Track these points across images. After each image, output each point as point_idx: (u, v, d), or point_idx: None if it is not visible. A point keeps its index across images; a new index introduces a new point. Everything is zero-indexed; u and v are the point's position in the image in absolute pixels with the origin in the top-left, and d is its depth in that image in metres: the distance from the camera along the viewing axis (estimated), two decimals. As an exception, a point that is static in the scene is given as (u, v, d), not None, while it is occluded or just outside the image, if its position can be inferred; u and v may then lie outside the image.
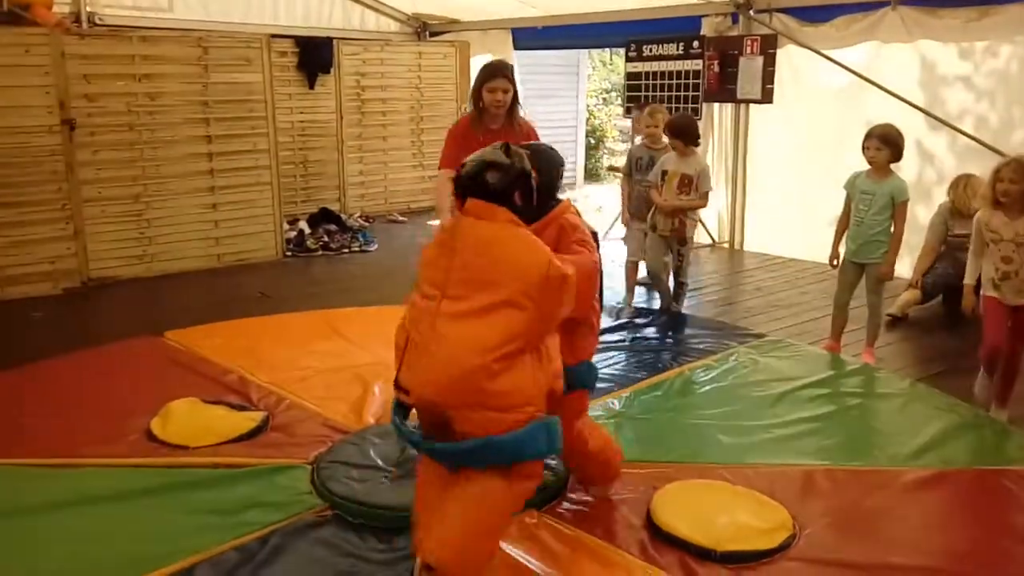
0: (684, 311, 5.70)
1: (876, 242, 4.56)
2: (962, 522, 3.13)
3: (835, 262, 4.78)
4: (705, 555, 2.79)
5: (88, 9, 7.98)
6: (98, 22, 7.98)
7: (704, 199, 5.49)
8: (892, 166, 4.57)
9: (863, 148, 4.54)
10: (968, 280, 4.04)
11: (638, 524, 2.99)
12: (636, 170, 5.77)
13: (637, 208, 5.79)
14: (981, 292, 3.98)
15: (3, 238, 6.05)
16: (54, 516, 3.05)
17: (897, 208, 4.48)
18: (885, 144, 4.47)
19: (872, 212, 4.52)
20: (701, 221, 8.05)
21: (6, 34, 6.20)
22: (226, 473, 3.39)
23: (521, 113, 4.35)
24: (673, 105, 7.74)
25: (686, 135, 5.39)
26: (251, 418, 3.90)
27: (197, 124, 6.95)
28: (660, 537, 2.90)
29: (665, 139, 5.56)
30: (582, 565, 2.79)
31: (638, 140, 6.25)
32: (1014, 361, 3.96)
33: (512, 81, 4.24)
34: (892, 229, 4.53)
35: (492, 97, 4.17)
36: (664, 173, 5.46)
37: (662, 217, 5.48)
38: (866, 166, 4.58)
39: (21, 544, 2.89)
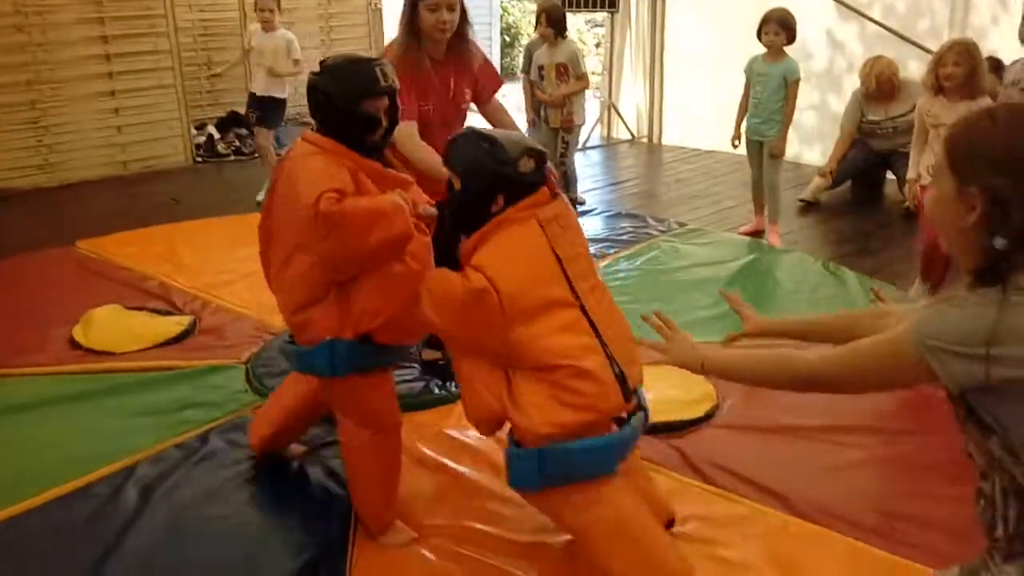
0: (607, 207, 5.78)
1: (772, 120, 4.84)
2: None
3: (736, 142, 5.02)
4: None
5: None
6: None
7: (584, 80, 5.63)
8: (786, 49, 4.77)
9: (761, 33, 4.75)
10: (910, 174, 4.03)
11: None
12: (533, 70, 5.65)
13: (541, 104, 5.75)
14: (921, 184, 3.93)
15: None
16: (-16, 425, 2.98)
17: (790, 87, 4.74)
18: (783, 28, 4.69)
19: (767, 92, 4.79)
20: (619, 114, 8.10)
21: None
22: (158, 376, 3.35)
23: (471, 35, 3.18)
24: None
25: (561, 24, 5.57)
26: (178, 322, 3.84)
27: (92, 24, 6.55)
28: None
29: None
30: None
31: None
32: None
33: None
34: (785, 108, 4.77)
35: (435, 18, 2.97)
36: (541, 68, 5.59)
37: (552, 111, 5.59)
38: (759, 49, 4.82)
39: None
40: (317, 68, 2.29)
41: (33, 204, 6.10)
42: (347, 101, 2.21)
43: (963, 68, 3.67)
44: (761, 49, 4.82)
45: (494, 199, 2.04)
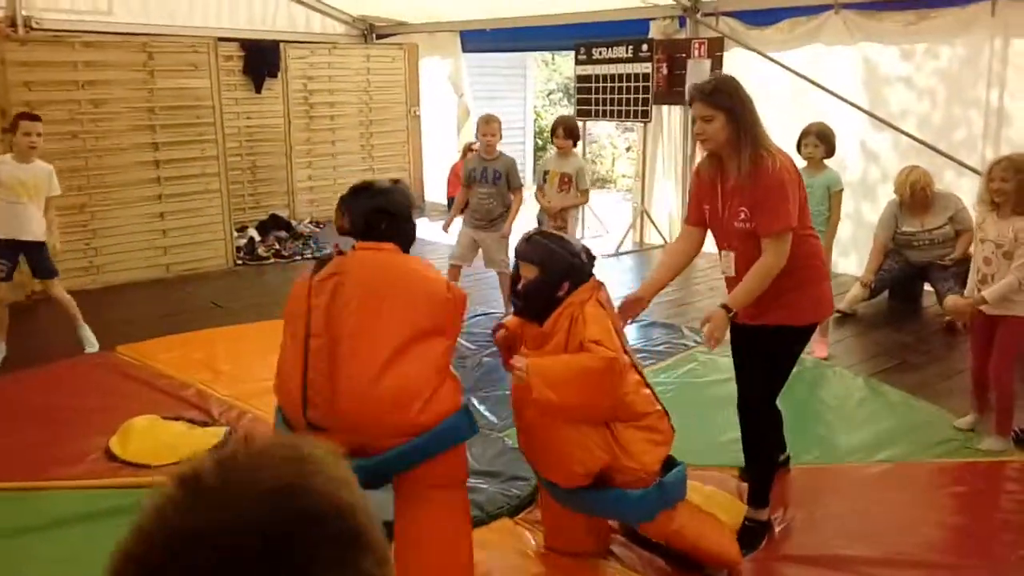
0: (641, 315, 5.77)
1: (817, 231, 4.74)
2: (918, 515, 3.23)
3: None
4: (681, 558, 2.84)
5: (24, 12, 7.73)
6: (35, 26, 7.74)
7: (585, 196, 5.72)
8: (825, 161, 4.82)
9: (800, 145, 4.78)
10: (967, 294, 3.94)
11: (613, 529, 3.02)
12: (472, 181, 5.57)
13: (469, 216, 5.60)
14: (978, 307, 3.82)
15: (-58, 252, 5.83)
16: (23, 540, 2.98)
17: (833, 197, 4.74)
18: (822, 141, 4.74)
19: (812, 204, 4.69)
20: (652, 220, 8.17)
21: (-60, 41, 6.01)
22: (192, 491, 3.33)
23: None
24: (623, 108, 7.83)
25: (576, 134, 5.77)
26: (213, 434, 3.84)
27: (143, 131, 6.81)
28: (633, 540, 2.94)
29: (499, 148, 5.61)
30: (557, 573, 2.82)
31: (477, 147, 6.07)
32: (1003, 383, 3.71)
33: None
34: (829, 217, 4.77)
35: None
36: (545, 174, 5.72)
37: (547, 217, 5.67)
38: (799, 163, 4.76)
39: (-10, 571, 2.81)
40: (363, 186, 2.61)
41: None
42: (409, 214, 2.62)
43: (1011, 183, 3.62)
44: (800, 162, 4.83)
45: (562, 286, 2.56)
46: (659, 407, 2.62)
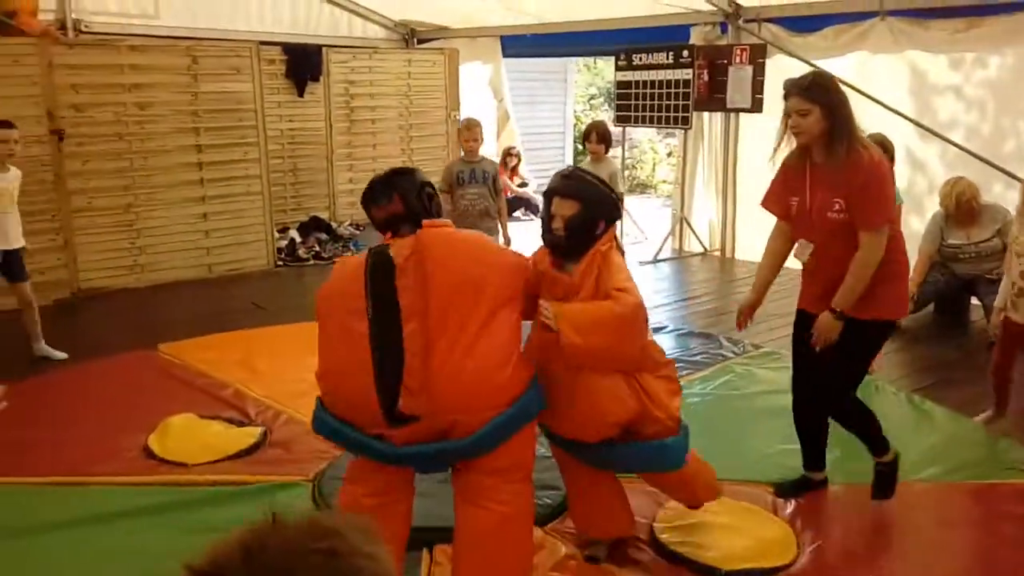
0: (678, 324, 5.73)
1: None
2: (967, 536, 3.16)
3: None
4: (710, 573, 2.80)
5: (74, 16, 7.91)
6: (84, 29, 7.91)
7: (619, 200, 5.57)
8: None
9: None
10: (998, 303, 3.97)
11: (643, 543, 3.00)
12: (459, 184, 5.51)
13: (460, 224, 5.51)
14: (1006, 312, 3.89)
15: (-8, 249, 5.97)
16: (62, 535, 3.03)
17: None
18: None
19: None
20: (691, 228, 8.11)
21: (-6, 44, 6.16)
22: (226, 491, 3.38)
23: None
24: (663, 114, 7.78)
25: (609, 139, 5.82)
26: (249, 434, 3.89)
27: (187, 134, 6.92)
28: (664, 556, 2.91)
29: (482, 152, 5.60)
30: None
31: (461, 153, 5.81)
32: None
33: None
34: None
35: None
36: None
37: None
38: None
39: (33, 564, 2.88)
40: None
41: (121, 304, 6.35)
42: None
43: None
44: None
45: (599, 223, 2.60)
46: (671, 358, 2.78)
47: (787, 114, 2.98)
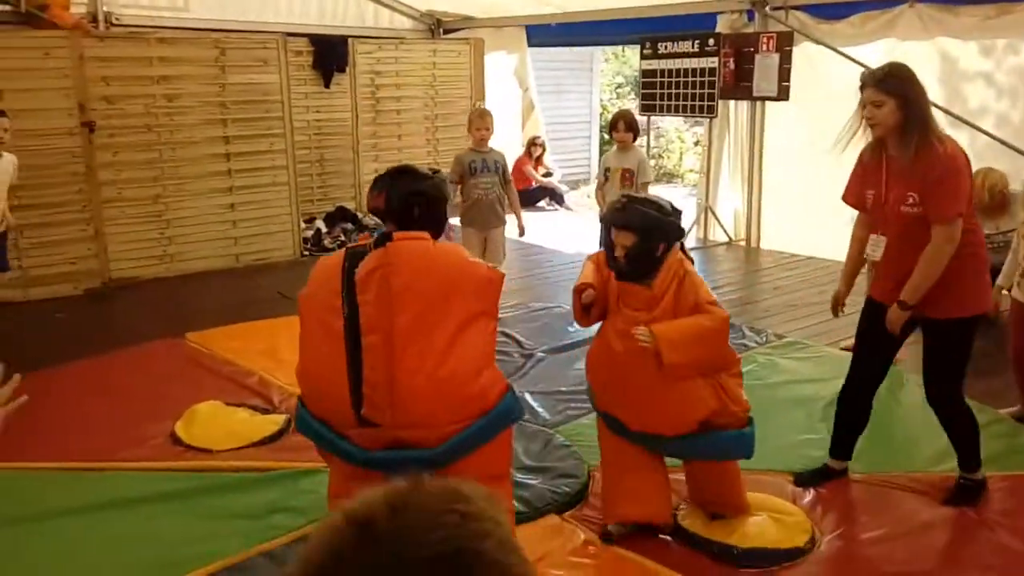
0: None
1: None
2: (989, 528, 3.13)
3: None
4: (726, 552, 2.82)
5: (105, 9, 8.01)
6: (115, 22, 8.01)
7: (645, 189, 5.61)
8: None
9: None
10: (1000, 280, 4.00)
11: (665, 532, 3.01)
12: (471, 174, 5.50)
13: (473, 215, 5.51)
14: (1012, 294, 3.96)
15: (26, 240, 6.10)
16: (85, 519, 3.11)
17: None
18: None
19: None
20: (716, 217, 8.06)
21: (27, 37, 6.28)
22: (251, 477, 3.43)
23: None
24: (689, 103, 7.74)
25: (636, 128, 5.77)
26: (273, 421, 3.95)
27: (215, 125, 7.00)
28: (684, 540, 2.93)
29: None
30: (604, 571, 2.82)
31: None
32: None
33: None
34: None
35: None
36: (607, 170, 5.73)
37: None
38: None
39: (55, 547, 2.95)
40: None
41: (151, 293, 6.46)
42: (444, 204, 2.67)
43: None
44: None
45: (659, 247, 2.76)
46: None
47: (862, 104, 2.99)
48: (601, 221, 3.07)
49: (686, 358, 2.67)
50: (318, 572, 0.67)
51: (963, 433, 3.21)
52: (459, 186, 5.46)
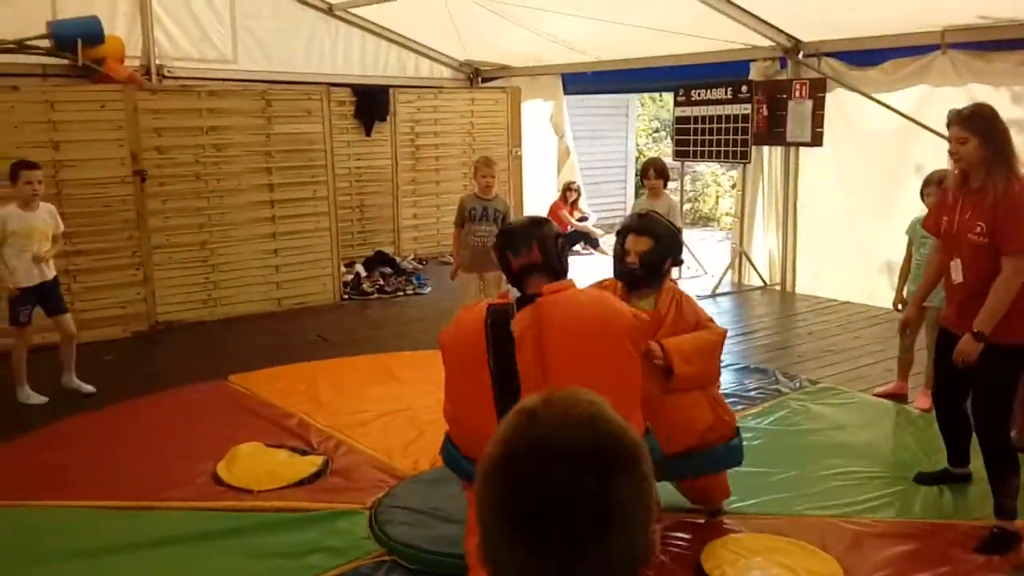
0: (735, 358, 5.74)
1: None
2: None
3: (899, 306, 4.68)
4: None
5: (157, 62, 8.36)
6: (167, 74, 8.35)
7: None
8: None
9: (923, 194, 4.58)
10: None
11: None
12: (470, 220, 5.64)
13: (470, 260, 5.64)
14: None
15: (78, 284, 6.34)
16: (135, 556, 3.23)
17: None
18: None
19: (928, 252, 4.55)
20: (751, 261, 8.09)
21: (83, 90, 6.59)
22: (289, 517, 3.53)
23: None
24: (723, 149, 7.83)
25: (666, 174, 5.98)
26: (312, 462, 4.05)
27: (260, 173, 7.24)
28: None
29: (494, 191, 5.76)
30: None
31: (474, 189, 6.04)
32: None
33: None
34: None
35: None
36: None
37: None
38: (921, 210, 4.58)
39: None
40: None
41: (195, 336, 6.65)
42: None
43: None
44: (913, 206, 4.73)
45: (667, 260, 3.10)
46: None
47: (949, 140, 3.25)
48: (618, 233, 3.29)
49: (694, 370, 2.95)
50: (507, 443, 0.93)
51: (1003, 472, 3.24)
52: (459, 230, 5.65)
